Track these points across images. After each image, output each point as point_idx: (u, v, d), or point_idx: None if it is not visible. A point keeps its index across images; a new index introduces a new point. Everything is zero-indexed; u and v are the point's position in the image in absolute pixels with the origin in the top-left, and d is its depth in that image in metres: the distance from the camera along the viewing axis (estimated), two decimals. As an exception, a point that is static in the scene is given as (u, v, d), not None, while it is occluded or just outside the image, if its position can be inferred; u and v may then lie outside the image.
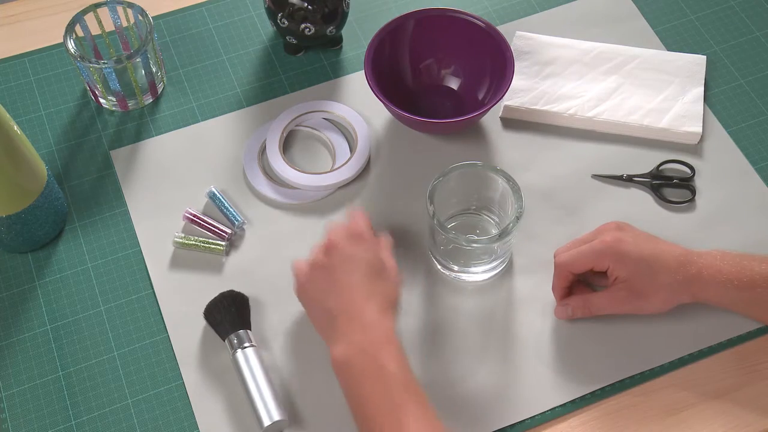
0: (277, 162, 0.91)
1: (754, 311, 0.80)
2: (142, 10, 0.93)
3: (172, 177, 0.93)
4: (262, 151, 0.95)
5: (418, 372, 0.82)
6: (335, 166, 0.92)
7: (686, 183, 0.92)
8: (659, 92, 0.97)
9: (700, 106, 0.96)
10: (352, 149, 0.94)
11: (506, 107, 0.96)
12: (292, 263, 0.80)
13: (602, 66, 0.99)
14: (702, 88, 0.97)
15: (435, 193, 0.82)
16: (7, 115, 0.78)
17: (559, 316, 0.83)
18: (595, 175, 0.93)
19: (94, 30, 0.97)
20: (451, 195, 0.85)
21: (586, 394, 0.81)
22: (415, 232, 0.90)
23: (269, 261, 0.88)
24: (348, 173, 0.91)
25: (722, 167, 0.93)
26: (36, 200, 0.83)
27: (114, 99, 0.96)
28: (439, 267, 0.87)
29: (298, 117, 0.95)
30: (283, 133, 0.93)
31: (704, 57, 0.99)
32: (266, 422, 0.77)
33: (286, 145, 0.95)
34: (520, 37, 1.01)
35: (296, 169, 0.91)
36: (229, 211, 0.90)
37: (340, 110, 0.95)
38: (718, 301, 0.79)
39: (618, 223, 0.81)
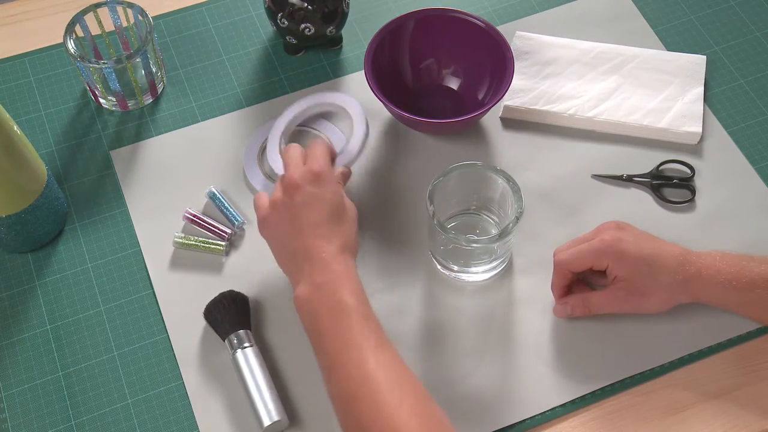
0: (277, 163, 0.91)
1: (754, 312, 0.80)
2: (142, 10, 0.93)
3: (172, 177, 0.93)
4: (262, 151, 0.95)
5: (419, 372, 0.82)
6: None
7: (686, 183, 0.92)
8: (659, 92, 0.97)
9: (700, 106, 0.96)
10: (348, 138, 0.93)
11: (506, 107, 0.96)
12: (254, 197, 0.81)
13: (602, 66, 0.99)
14: (702, 88, 0.97)
15: (435, 193, 0.82)
16: (7, 115, 0.78)
17: (558, 315, 0.83)
18: (595, 175, 0.93)
19: (94, 30, 0.97)
20: (451, 195, 0.85)
21: (586, 394, 0.81)
22: (415, 232, 0.90)
23: (269, 261, 0.88)
24: (346, 158, 0.90)
25: (722, 167, 0.93)
26: (36, 200, 0.83)
27: (114, 99, 0.96)
28: (439, 267, 0.87)
29: (297, 116, 0.94)
30: (282, 135, 0.93)
31: (704, 57, 0.99)
32: (266, 422, 0.77)
33: (284, 144, 0.95)
34: (520, 37, 1.01)
35: None
36: (229, 211, 0.90)
37: (337, 99, 0.94)
38: (717, 301, 0.79)
39: (618, 222, 0.81)
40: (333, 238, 0.75)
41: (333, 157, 0.82)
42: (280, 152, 0.92)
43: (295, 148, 0.81)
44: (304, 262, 0.74)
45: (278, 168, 0.90)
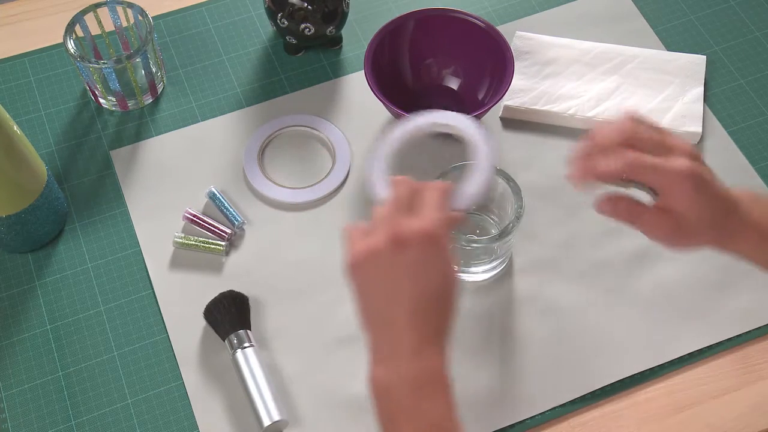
0: (381, 190, 0.77)
1: None
2: (142, 10, 0.93)
3: (172, 177, 0.93)
4: (262, 151, 0.95)
5: (418, 372, 0.82)
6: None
7: (686, 183, 0.91)
8: (659, 92, 0.97)
9: (700, 106, 0.96)
10: (333, 163, 0.93)
11: (506, 107, 0.96)
12: (347, 230, 0.67)
13: (602, 66, 0.99)
14: (702, 88, 0.97)
15: None
16: (7, 115, 0.78)
17: (604, 208, 0.67)
18: (595, 175, 0.92)
19: (94, 30, 0.97)
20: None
21: (586, 394, 0.81)
22: (415, 232, 0.90)
23: (269, 261, 0.88)
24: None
25: (722, 167, 0.93)
26: (36, 200, 0.83)
27: (114, 99, 0.96)
28: (439, 267, 0.87)
29: (409, 135, 0.89)
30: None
31: (704, 57, 0.99)
32: (266, 422, 0.77)
33: (285, 144, 0.95)
34: (520, 37, 1.01)
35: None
36: (229, 211, 0.90)
37: (458, 124, 0.88)
38: (745, 255, 0.69)
39: (694, 150, 0.67)
40: (430, 321, 0.63)
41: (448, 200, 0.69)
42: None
43: (405, 186, 0.67)
44: (392, 338, 0.64)
45: (381, 194, 0.74)
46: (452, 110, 0.96)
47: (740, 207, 0.67)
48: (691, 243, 0.68)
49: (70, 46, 0.91)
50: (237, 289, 0.84)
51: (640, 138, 0.66)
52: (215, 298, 0.83)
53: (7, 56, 1.02)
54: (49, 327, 0.85)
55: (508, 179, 0.82)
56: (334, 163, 0.93)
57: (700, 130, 0.94)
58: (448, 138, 0.95)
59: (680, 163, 0.64)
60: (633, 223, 0.68)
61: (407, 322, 0.63)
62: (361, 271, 0.65)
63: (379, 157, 0.75)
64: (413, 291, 0.63)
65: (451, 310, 0.65)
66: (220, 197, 0.90)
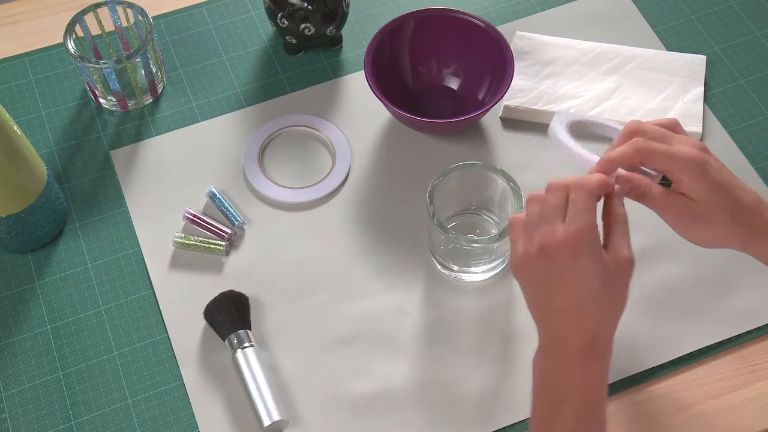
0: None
1: None
2: (142, 10, 0.93)
3: (172, 177, 0.93)
4: (263, 150, 0.95)
5: (418, 372, 0.82)
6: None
7: (686, 183, 0.91)
8: (659, 92, 0.97)
9: (700, 106, 0.96)
10: (333, 163, 0.94)
11: (506, 107, 0.96)
12: (510, 224, 0.70)
13: (602, 66, 0.99)
14: (702, 88, 0.97)
15: (435, 193, 0.82)
16: (7, 115, 0.78)
17: (621, 183, 0.71)
18: (595, 175, 0.92)
19: (94, 30, 0.97)
20: (450, 195, 0.85)
21: (586, 394, 0.81)
22: (415, 231, 0.90)
23: (269, 261, 0.88)
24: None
25: (722, 167, 0.93)
26: (36, 200, 0.83)
27: (114, 99, 0.96)
28: (439, 267, 0.87)
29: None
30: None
31: (704, 57, 0.99)
32: (266, 422, 0.77)
33: (285, 144, 0.95)
34: (520, 37, 1.01)
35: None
36: (229, 211, 0.90)
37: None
38: None
39: (678, 124, 0.73)
40: (584, 328, 0.65)
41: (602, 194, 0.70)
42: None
43: (557, 193, 0.68)
44: (548, 335, 0.67)
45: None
46: (452, 110, 0.96)
47: (761, 211, 0.69)
48: (710, 233, 0.70)
49: (70, 46, 0.91)
50: (237, 289, 0.84)
51: (645, 130, 0.71)
52: (215, 298, 0.83)
53: (7, 56, 1.02)
54: (49, 327, 0.85)
55: (508, 179, 0.82)
56: (334, 163, 0.93)
57: (700, 130, 0.94)
58: (448, 138, 0.95)
59: (686, 149, 0.69)
60: (643, 198, 0.71)
61: (563, 324, 0.66)
62: (522, 271, 0.69)
63: (561, 122, 0.77)
64: (568, 297, 0.66)
65: (610, 310, 0.66)
66: (220, 197, 0.90)
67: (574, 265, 0.65)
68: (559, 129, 0.76)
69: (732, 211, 0.70)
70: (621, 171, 0.72)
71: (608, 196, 0.70)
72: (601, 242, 0.67)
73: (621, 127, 0.77)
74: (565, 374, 0.66)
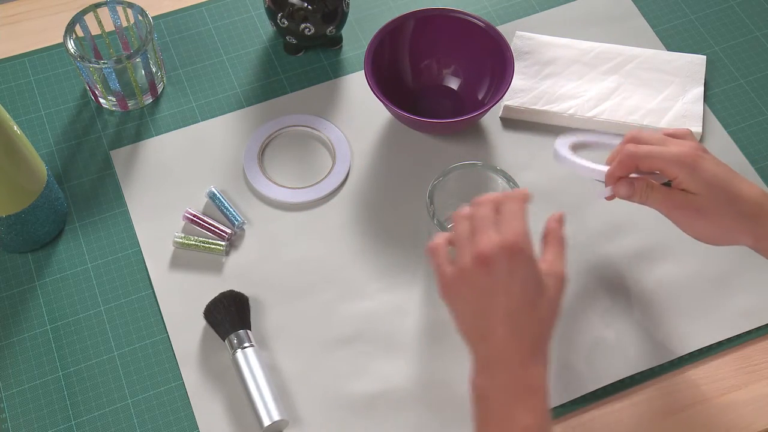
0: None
1: None
2: (142, 10, 0.93)
3: (172, 177, 0.93)
4: (263, 151, 0.95)
5: (419, 372, 0.82)
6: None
7: (686, 183, 0.92)
8: (659, 92, 0.97)
9: (700, 106, 0.96)
10: (333, 163, 0.94)
11: (506, 107, 0.96)
12: (431, 248, 0.70)
13: (602, 66, 0.99)
14: (702, 88, 0.97)
15: (435, 193, 0.82)
16: (7, 115, 0.78)
17: (618, 192, 0.75)
18: (595, 175, 0.93)
19: (94, 30, 0.97)
20: (451, 195, 0.85)
21: (586, 394, 0.81)
22: (415, 231, 0.90)
23: (269, 261, 0.88)
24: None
25: (722, 167, 0.93)
26: (36, 200, 0.83)
27: (114, 99, 0.96)
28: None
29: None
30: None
31: (704, 57, 0.99)
32: (266, 422, 0.77)
33: (285, 144, 0.95)
34: (520, 37, 1.01)
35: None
36: (229, 211, 0.90)
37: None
38: None
39: (690, 134, 0.75)
40: (524, 334, 0.65)
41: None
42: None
43: (486, 206, 0.69)
44: (489, 349, 0.65)
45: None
46: (452, 110, 0.96)
47: None
48: (716, 227, 0.72)
49: (70, 46, 0.91)
50: (237, 289, 0.84)
51: (642, 137, 0.75)
52: (215, 298, 0.83)
53: (7, 56, 1.02)
54: (49, 327, 0.85)
55: (508, 179, 0.82)
56: (334, 163, 0.93)
57: (700, 130, 0.94)
58: (448, 138, 0.95)
59: (677, 148, 0.72)
60: (645, 199, 0.74)
61: (504, 333, 0.65)
62: (454, 292, 0.68)
63: (565, 144, 0.80)
64: (507, 304, 0.65)
65: (547, 317, 0.66)
66: (220, 197, 0.90)
67: (512, 266, 0.65)
68: (562, 151, 0.78)
69: (734, 203, 0.71)
70: (624, 182, 0.75)
71: (550, 219, 0.72)
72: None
73: (621, 138, 0.79)
74: (509, 385, 0.64)
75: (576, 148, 0.82)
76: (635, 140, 0.75)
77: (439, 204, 0.83)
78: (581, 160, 0.78)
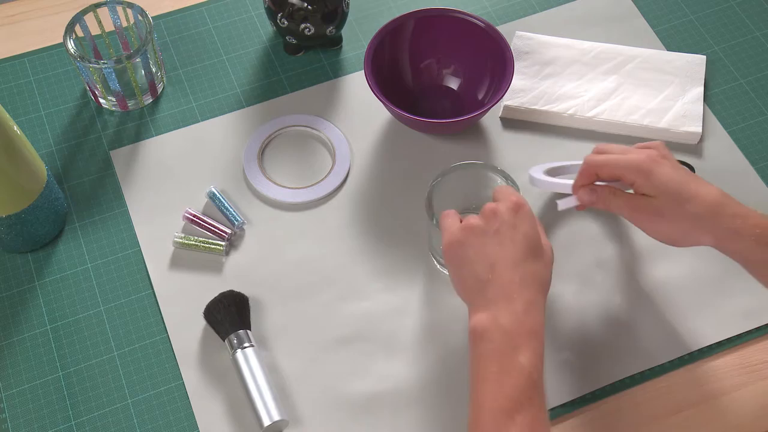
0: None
1: None
2: (142, 10, 0.93)
3: (172, 177, 0.93)
4: (262, 150, 0.95)
5: (418, 372, 0.82)
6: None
7: (686, 183, 0.92)
8: (659, 92, 0.97)
9: (699, 106, 0.96)
10: (333, 163, 0.94)
11: (506, 107, 0.96)
12: (442, 217, 0.76)
13: (602, 66, 0.99)
14: (702, 88, 0.97)
15: (434, 193, 0.82)
16: (7, 115, 0.78)
17: (581, 200, 0.79)
18: (595, 175, 0.93)
19: (94, 30, 0.97)
20: (450, 195, 0.85)
21: (586, 394, 0.81)
22: (415, 231, 0.90)
23: (269, 261, 0.88)
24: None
25: (722, 167, 0.93)
26: (36, 200, 0.83)
27: (114, 99, 0.96)
28: (438, 266, 0.87)
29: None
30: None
31: (704, 57, 0.99)
32: (266, 422, 0.77)
33: (285, 144, 0.95)
34: (520, 37, 1.01)
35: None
36: (229, 211, 0.90)
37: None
38: (744, 255, 0.73)
39: (662, 147, 0.78)
40: (526, 279, 0.70)
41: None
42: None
43: (489, 209, 0.76)
44: (491, 291, 0.70)
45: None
46: (452, 110, 0.96)
47: (730, 205, 0.73)
48: (676, 228, 0.75)
49: (70, 46, 0.91)
50: (237, 289, 0.84)
51: (606, 148, 0.79)
52: (215, 298, 0.83)
53: (7, 56, 1.02)
54: (49, 327, 0.85)
55: (507, 179, 0.82)
56: (334, 163, 0.93)
57: (700, 130, 0.94)
58: (448, 138, 0.95)
59: (633, 156, 0.76)
60: (609, 204, 0.78)
61: (510, 278, 0.70)
62: (454, 249, 0.73)
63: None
64: (514, 252, 0.71)
65: (543, 269, 0.72)
66: (220, 197, 0.90)
67: (517, 220, 0.72)
68: (538, 174, 0.85)
69: (690, 204, 0.73)
70: (586, 190, 0.79)
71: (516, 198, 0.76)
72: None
73: None
74: (512, 327, 0.68)
75: (549, 173, 0.87)
76: (600, 151, 0.79)
77: (439, 204, 0.83)
78: (553, 179, 0.83)
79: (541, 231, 0.75)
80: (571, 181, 0.81)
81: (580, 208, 0.81)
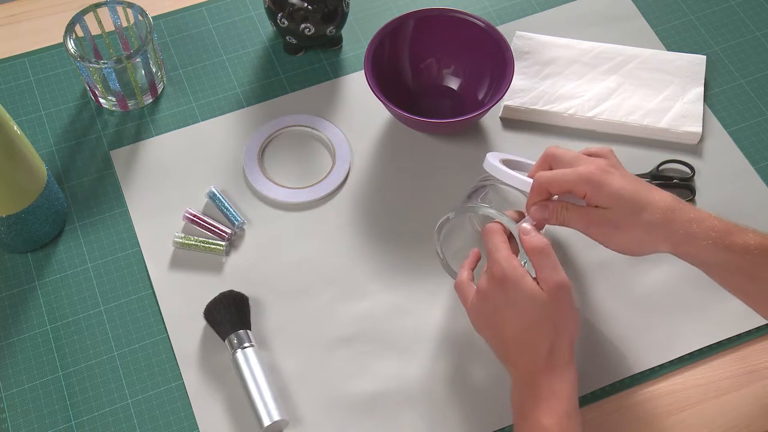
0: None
1: (738, 280, 0.73)
2: (142, 10, 0.93)
3: (172, 177, 0.93)
4: (262, 150, 0.95)
5: (417, 372, 0.82)
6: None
7: (686, 183, 0.92)
8: (659, 92, 0.97)
9: (699, 106, 0.96)
10: (333, 163, 0.94)
11: (506, 107, 0.96)
12: (456, 285, 0.78)
13: (602, 66, 0.99)
14: (702, 88, 0.97)
15: (443, 230, 0.82)
16: (7, 115, 0.78)
17: (533, 216, 0.77)
18: (595, 175, 0.93)
19: (94, 30, 0.97)
20: (459, 231, 0.85)
21: (586, 394, 0.81)
22: (415, 231, 0.90)
23: (269, 261, 0.88)
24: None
25: (722, 167, 0.93)
26: (36, 200, 0.83)
27: (114, 99, 0.96)
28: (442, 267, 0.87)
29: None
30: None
31: (704, 57, 0.99)
32: (266, 422, 0.77)
33: (285, 144, 0.95)
34: (520, 37, 1.01)
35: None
36: (229, 211, 0.90)
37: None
38: (701, 258, 0.73)
39: (609, 155, 0.77)
40: (535, 350, 0.71)
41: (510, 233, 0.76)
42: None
43: (473, 255, 0.80)
44: (513, 369, 0.73)
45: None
46: (452, 110, 0.96)
47: (684, 210, 0.73)
48: (632, 238, 0.74)
49: (70, 46, 0.91)
50: (237, 289, 0.84)
51: (560, 158, 0.77)
52: (215, 298, 0.83)
53: (7, 56, 1.02)
54: (49, 327, 0.85)
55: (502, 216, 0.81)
56: (334, 163, 0.93)
57: (700, 130, 0.94)
58: (448, 138, 0.95)
59: (582, 168, 0.74)
60: (561, 222, 0.76)
61: (518, 353, 0.72)
62: (473, 315, 0.76)
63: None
64: (513, 328, 0.72)
65: (561, 326, 0.71)
66: (220, 197, 0.90)
67: (506, 296, 0.71)
68: (493, 161, 0.82)
69: (643, 212, 0.73)
70: (537, 207, 0.77)
71: (521, 236, 0.74)
72: (529, 273, 0.72)
73: None
74: (530, 396, 0.70)
75: (505, 164, 0.85)
76: (551, 157, 0.77)
77: (448, 241, 0.83)
78: (509, 170, 0.80)
79: (544, 277, 0.71)
80: (528, 180, 0.78)
81: (538, 227, 0.77)
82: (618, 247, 0.75)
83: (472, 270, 0.79)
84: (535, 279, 0.72)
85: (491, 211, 0.77)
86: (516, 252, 0.75)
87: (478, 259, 0.80)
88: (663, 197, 0.73)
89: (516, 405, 0.71)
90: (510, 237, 0.76)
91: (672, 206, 0.73)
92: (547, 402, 0.69)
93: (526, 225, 0.74)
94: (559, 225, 0.77)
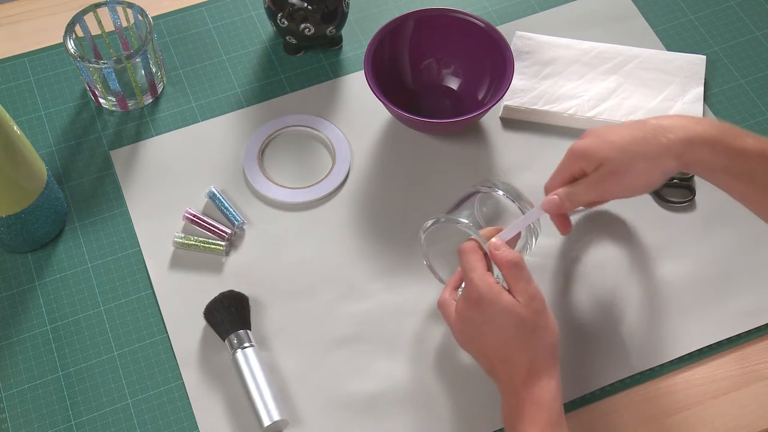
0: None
1: (741, 188, 0.74)
2: (142, 10, 0.93)
3: (172, 177, 0.93)
4: (262, 151, 0.95)
5: (419, 372, 0.82)
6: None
7: (686, 183, 0.92)
8: (659, 92, 0.97)
9: (699, 106, 0.96)
10: (333, 163, 0.94)
11: (506, 107, 0.96)
12: (439, 304, 0.78)
13: (602, 66, 0.99)
14: (702, 88, 0.97)
15: (428, 237, 0.82)
16: (7, 115, 0.78)
17: (547, 208, 0.78)
18: (595, 175, 0.93)
19: (94, 30, 0.97)
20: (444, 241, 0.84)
21: (586, 394, 0.81)
22: (415, 231, 0.90)
23: (269, 261, 0.88)
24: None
25: (722, 167, 0.93)
26: (36, 200, 0.83)
27: (114, 99, 0.96)
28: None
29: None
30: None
31: (704, 57, 0.99)
32: (266, 422, 0.77)
33: (285, 144, 0.95)
34: (519, 37, 1.01)
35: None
36: (229, 211, 0.90)
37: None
38: (708, 164, 0.73)
39: (591, 130, 0.79)
40: (516, 362, 0.71)
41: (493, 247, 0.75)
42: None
43: (456, 276, 0.81)
44: (498, 383, 0.73)
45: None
46: (452, 110, 0.96)
47: (670, 122, 0.74)
48: (636, 176, 0.75)
49: (70, 46, 0.91)
50: (237, 289, 0.84)
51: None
52: (215, 298, 0.83)
53: (7, 56, 1.02)
54: (49, 327, 0.85)
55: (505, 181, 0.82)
56: (334, 163, 0.93)
57: (700, 130, 0.94)
58: (448, 138, 0.95)
59: (562, 165, 0.78)
60: (573, 199, 0.77)
61: (501, 367, 0.72)
62: (456, 335, 0.76)
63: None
64: (493, 343, 0.72)
65: (540, 336, 0.71)
66: (220, 197, 0.90)
67: (483, 314, 0.72)
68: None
69: (636, 143, 0.74)
70: (548, 198, 0.78)
71: (491, 252, 0.74)
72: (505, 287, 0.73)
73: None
74: (514, 406, 0.71)
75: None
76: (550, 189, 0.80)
77: (431, 241, 0.83)
78: (516, 222, 0.77)
79: (519, 290, 0.72)
80: (537, 210, 0.79)
81: (564, 232, 0.81)
82: (632, 189, 0.76)
83: (456, 289, 0.80)
84: (509, 291, 0.72)
85: (464, 228, 0.76)
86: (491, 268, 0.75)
87: (462, 278, 0.80)
88: (648, 121, 0.75)
89: (505, 417, 0.72)
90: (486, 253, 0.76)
91: (661, 129, 0.74)
92: (530, 414, 0.69)
93: (495, 240, 0.74)
94: (575, 207, 0.78)
